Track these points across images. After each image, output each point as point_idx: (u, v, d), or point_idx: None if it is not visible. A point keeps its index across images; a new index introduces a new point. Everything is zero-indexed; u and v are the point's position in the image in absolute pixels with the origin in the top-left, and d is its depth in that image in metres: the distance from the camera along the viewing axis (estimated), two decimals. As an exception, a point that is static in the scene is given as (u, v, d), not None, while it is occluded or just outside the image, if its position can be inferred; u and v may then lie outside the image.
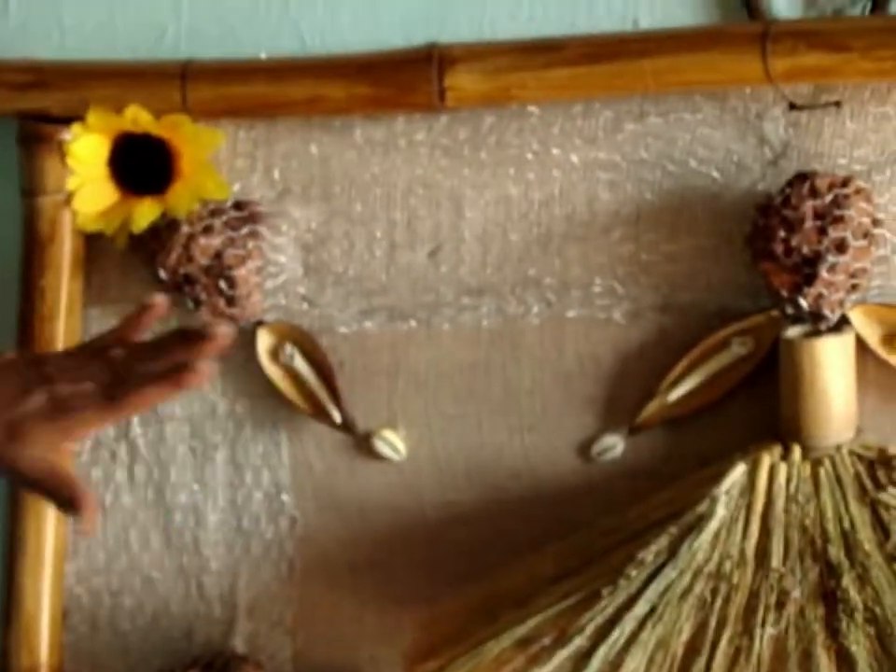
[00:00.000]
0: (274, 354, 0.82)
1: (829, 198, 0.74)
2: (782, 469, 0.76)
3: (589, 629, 0.74)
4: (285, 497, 0.85)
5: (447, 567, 0.83)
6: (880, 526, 0.75)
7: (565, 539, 0.80)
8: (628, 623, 0.74)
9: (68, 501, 0.71)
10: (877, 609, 0.73)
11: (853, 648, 0.73)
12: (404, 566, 0.84)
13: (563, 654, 0.75)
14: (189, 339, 0.72)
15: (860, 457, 0.77)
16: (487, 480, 0.83)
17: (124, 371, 0.72)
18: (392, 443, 0.83)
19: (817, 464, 0.76)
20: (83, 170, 0.79)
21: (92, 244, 0.83)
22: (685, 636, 0.75)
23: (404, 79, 0.78)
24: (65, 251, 0.81)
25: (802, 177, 0.77)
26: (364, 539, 0.85)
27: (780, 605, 0.74)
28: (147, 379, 0.70)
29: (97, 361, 0.73)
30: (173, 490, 0.87)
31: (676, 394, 0.81)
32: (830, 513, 0.76)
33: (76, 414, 0.72)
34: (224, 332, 0.72)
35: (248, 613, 0.84)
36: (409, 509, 0.83)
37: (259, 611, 0.85)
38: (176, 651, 0.86)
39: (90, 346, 0.77)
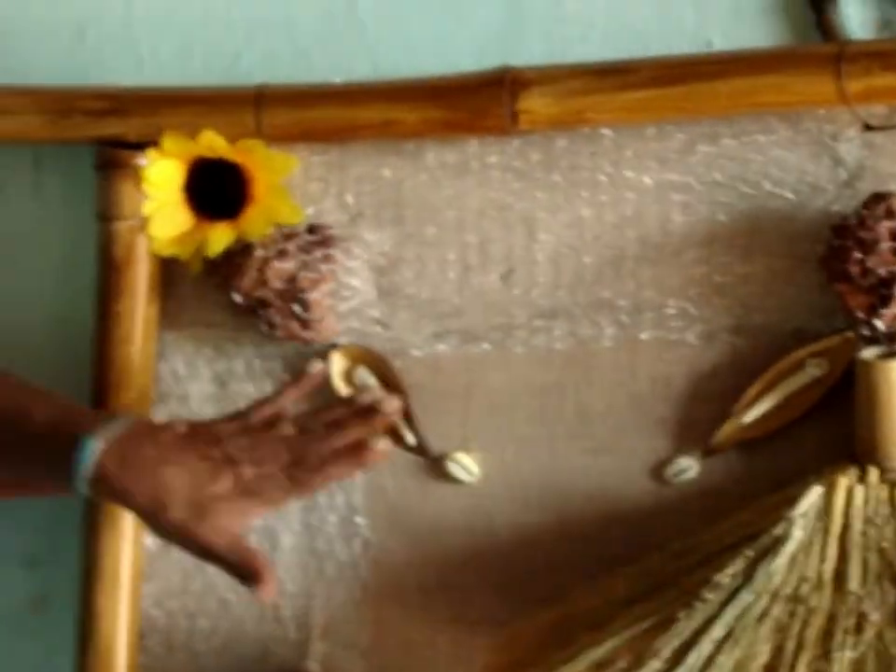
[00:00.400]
0: (348, 377, 0.84)
1: (905, 219, 0.76)
2: (859, 492, 0.77)
3: (665, 652, 0.75)
4: (358, 520, 0.86)
5: (519, 589, 0.84)
6: None
7: (638, 561, 0.82)
8: (705, 646, 0.74)
9: (250, 574, 0.75)
10: None
11: None
12: (477, 587, 0.85)
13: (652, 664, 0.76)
14: (360, 413, 0.76)
15: None
16: (560, 501, 0.85)
17: (301, 449, 0.76)
18: (465, 466, 0.85)
19: (894, 486, 0.77)
20: (158, 195, 0.81)
21: (167, 268, 0.85)
22: (762, 659, 0.75)
23: (477, 103, 0.80)
24: (141, 276, 0.83)
25: (877, 198, 0.79)
26: (437, 560, 0.86)
27: (859, 628, 0.75)
28: (327, 459, 0.75)
29: (273, 440, 0.78)
30: (248, 513, 0.89)
31: (750, 416, 0.82)
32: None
33: (261, 496, 0.76)
34: (395, 408, 0.77)
35: (322, 635, 0.86)
36: (482, 530, 0.85)
37: (334, 633, 0.86)
38: (251, 673, 0.89)
39: (258, 418, 0.80)
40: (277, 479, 0.77)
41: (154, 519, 0.78)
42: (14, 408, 0.83)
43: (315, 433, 0.78)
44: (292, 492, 0.77)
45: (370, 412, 0.78)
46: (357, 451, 0.75)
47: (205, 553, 0.77)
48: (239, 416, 0.81)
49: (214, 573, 0.86)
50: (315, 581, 0.87)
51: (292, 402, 0.80)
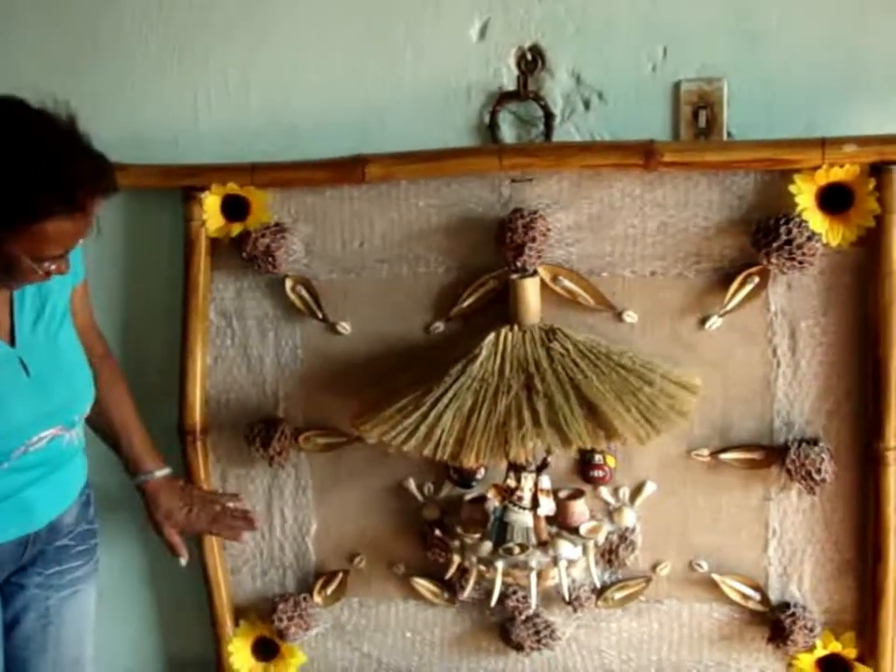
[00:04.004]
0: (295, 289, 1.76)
1: None
2: (510, 334, 1.60)
3: (427, 400, 1.54)
4: (299, 352, 1.78)
5: (366, 383, 1.71)
6: (548, 356, 1.57)
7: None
8: (443, 400, 1.54)
9: (173, 553, 1.67)
10: (547, 390, 1.52)
11: (538, 406, 1.49)
12: (355, 383, 1.73)
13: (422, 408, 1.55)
14: (244, 515, 1.70)
15: (541, 329, 1.60)
16: (384, 344, 1.74)
17: (215, 515, 1.69)
18: (344, 326, 1.77)
19: (524, 332, 1.59)
20: (210, 210, 1.72)
21: (214, 241, 1.73)
22: (469, 402, 1.54)
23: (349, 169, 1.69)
24: (202, 244, 1.73)
25: (515, 210, 1.60)
26: (337, 371, 1.77)
27: (509, 389, 1.54)
28: (223, 527, 1.69)
29: (208, 504, 1.69)
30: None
31: (466, 304, 1.71)
32: (529, 353, 1.57)
33: (196, 525, 1.68)
34: (256, 525, 1.72)
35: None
36: (352, 360, 1.76)
37: (289, 398, 1.79)
38: None
39: (209, 496, 1.73)
40: (203, 523, 1.68)
41: (150, 514, 1.67)
42: (122, 426, 1.68)
43: (224, 512, 1.68)
44: (205, 531, 1.73)
45: (247, 516, 1.69)
46: (237, 531, 1.68)
47: (160, 536, 1.67)
48: (203, 490, 1.76)
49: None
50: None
51: (227, 499, 1.73)
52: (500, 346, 1.62)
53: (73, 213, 1.28)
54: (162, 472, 1.67)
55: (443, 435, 1.54)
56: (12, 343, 1.44)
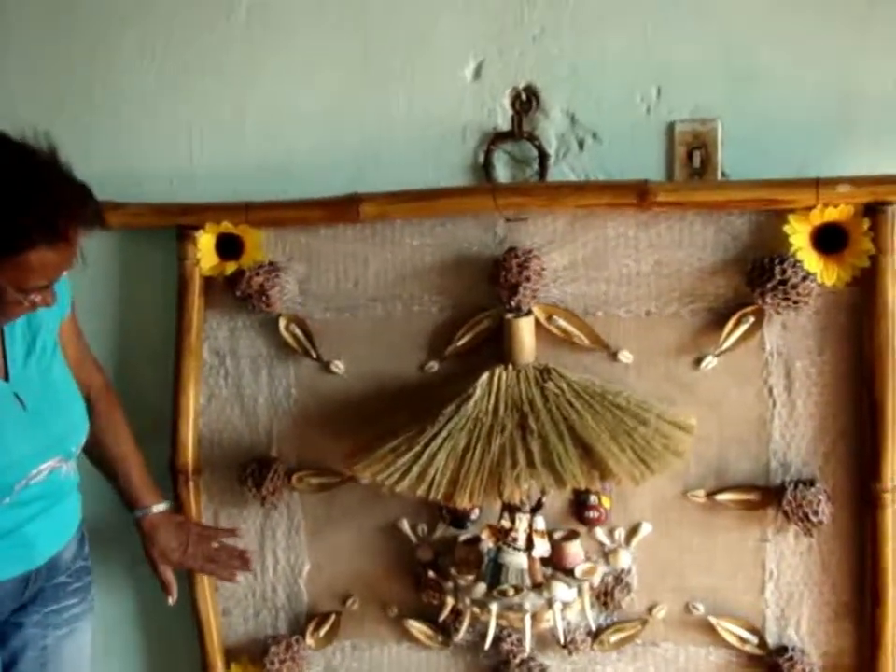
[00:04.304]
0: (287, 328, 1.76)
1: None
2: (504, 374, 1.60)
3: (421, 439, 1.54)
4: (293, 391, 1.76)
5: (360, 425, 1.70)
6: (543, 395, 1.56)
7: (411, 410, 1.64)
8: (437, 440, 1.53)
9: (164, 590, 1.67)
10: (541, 430, 1.51)
11: (533, 446, 1.49)
12: (349, 423, 1.72)
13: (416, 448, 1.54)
14: (240, 554, 1.70)
15: (536, 369, 1.60)
16: (378, 384, 1.75)
17: (212, 554, 1.69)
18: (339, 366, 1.76)
19: (518, 371, 1.59)
20: (204, 249, 1.71)
21: (208, 280, 1.72)
22: (463, 442, 1.53)
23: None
24: (196, 283, 1.73)
25: (510, 250, 1.60)
26: (333, 410, 1.75)
27: (503, 429, 1.53)
28: (218, 566, 1.69)
29: (204, 542, 1.68)
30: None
31: (463, 341, 1.72)
32: (524, 392, 1.57)
33: (189, 562, 1.68)
34: (251, 564, 1.72)
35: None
36: (347, 400, 1.75)
37: (284, 435, 1.78)
38: None
39: (205, 532, 1.72)
40: (198, 560, 1.68)
41: (146, 551, 1.67)
42: (120, 460, 1.67)
43: (220, 550, 1.69)
44: (198, 569, 1.72)
45: (242, 556, 1.69)
46: (231, 571, 1.69)
47: (154, 571, 1.67)
48: (201, 526, 1.75)
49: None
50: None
51: (224, 535, 1.73)
52: (494, 386, 1.61)
53: (55, 243, 1.28)
54: (160, 507, 1.67)
55: (437, 475, 1.53)
56: (6, 377, 1.44)
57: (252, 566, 1.71)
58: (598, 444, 1.51)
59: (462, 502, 1.51)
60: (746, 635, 1.72)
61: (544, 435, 1.52)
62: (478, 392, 1.60)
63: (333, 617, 1.85)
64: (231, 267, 1.73)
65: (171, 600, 1.67)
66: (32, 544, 1.51)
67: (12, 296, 1.30)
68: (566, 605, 1.64)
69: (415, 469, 1.54)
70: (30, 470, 1.44)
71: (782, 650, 1.70)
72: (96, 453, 1.66)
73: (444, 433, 1.56)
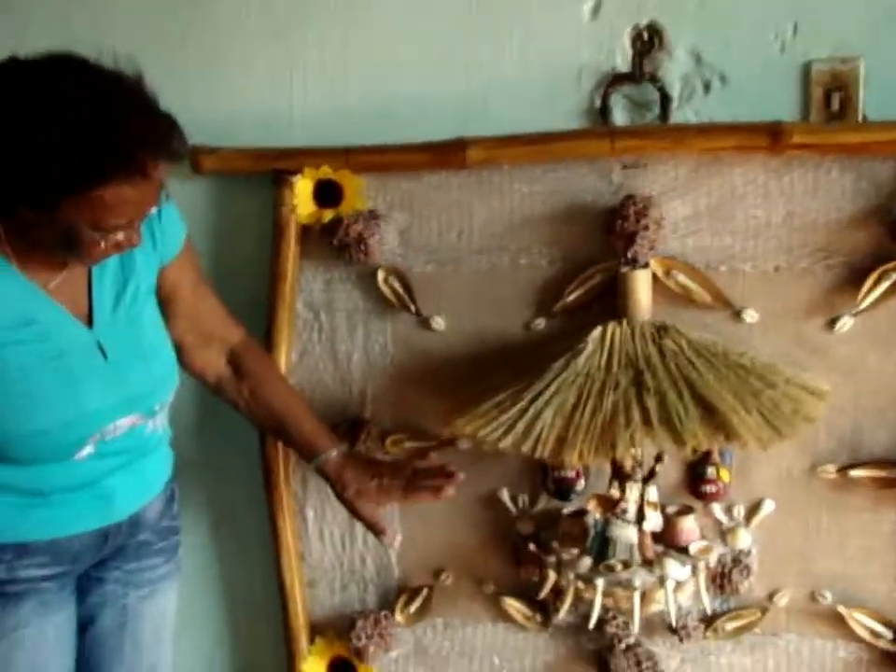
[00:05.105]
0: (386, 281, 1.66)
1: None
2: (617, 330, 1.49)
3: (527, 395, 1.44)
4: (389, 348, 1.66)
5: (464, 381, 1.59)
6: (660, 353, 1.45)
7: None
8: (543, 396, 1.44)
9: (376, 532, 1.51)
10: (659, 387, 1.40)
11: (649, 404, 1.38)
12: (447, 380, 1.62)
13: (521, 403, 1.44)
14: (446, 471, 1.48)
15: (653, 325, 1.48)
16: (479, 345, 1.62)
17: (412, 478, 1.49)
18: (439, 322, 1.66)
19: (633, 328, 1.48)
20: (301, 195, 1.62)
21: (305, 228, 1.63)
22: (572, 399, 1.43)
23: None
24: (292, 232, 1.63)
25: (628, 197, 1.48)
26: (432, 369, 1.65)
27: (616, 386, 1.43)
28: (421, 489, 1.48)
29: (399, 471, 1.50)
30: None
31: (577, 294, 1.59)
32: (639, 349, 1.45)
33: (388, 496, 1.50)
34: (458, 481, 1.47)
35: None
36: (448, 358, 1.64)
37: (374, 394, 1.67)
38: None
39: (397, 462, 1.56)
40: (397, 490, 1.49)
41: (339, 495, 1.52)
42: (285, 412, 1.55)
43: (422, 471, 1.49)
44: (401, 498, 1.51)
45: (451, 474, 1.48)
46: (438, 490, 1.47)
47: (358, 517, 1.52)
48: (391, 461, 1.58)
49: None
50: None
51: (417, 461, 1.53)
52: (607, 342, 1.50)
53: (133, 177, 1.17)
54: (341, 448, 1.55)
55: (544, 432, 1.43)
56: (90, 324, 1.35)
57: (459, 479, 1.49)
58: (722, 404, 1.40)
59: (570, 461, 1.41)
60: (879, 628, 1.57)
61: (662, 392, 1.41)
62: (589, 347, 1.49)
63: (425, 592, 1.74)
64: (328, 215, 1.63)
65: (394, 543, 1.54)
66: (111, 497, 1.43)
67: (89, 236, 1.21)
68: (678, 585, 1.52)
69: (520, 426, 1.44)
70: (105, 425, 1.36)
71: (920, 646, 1.54)
72: (258, 413, 1.57)
73: (552, 388, 1.46)
